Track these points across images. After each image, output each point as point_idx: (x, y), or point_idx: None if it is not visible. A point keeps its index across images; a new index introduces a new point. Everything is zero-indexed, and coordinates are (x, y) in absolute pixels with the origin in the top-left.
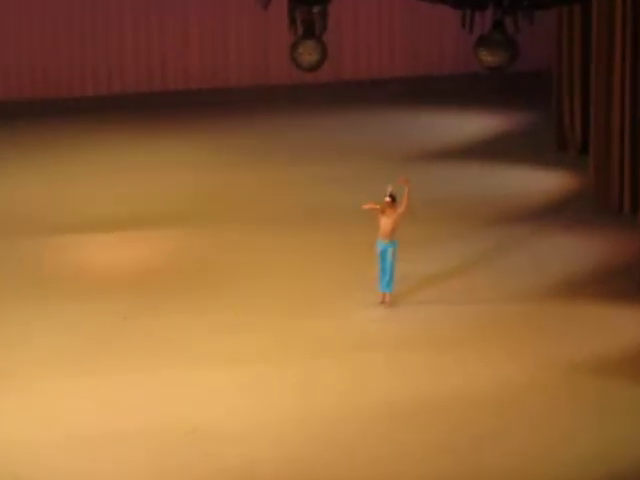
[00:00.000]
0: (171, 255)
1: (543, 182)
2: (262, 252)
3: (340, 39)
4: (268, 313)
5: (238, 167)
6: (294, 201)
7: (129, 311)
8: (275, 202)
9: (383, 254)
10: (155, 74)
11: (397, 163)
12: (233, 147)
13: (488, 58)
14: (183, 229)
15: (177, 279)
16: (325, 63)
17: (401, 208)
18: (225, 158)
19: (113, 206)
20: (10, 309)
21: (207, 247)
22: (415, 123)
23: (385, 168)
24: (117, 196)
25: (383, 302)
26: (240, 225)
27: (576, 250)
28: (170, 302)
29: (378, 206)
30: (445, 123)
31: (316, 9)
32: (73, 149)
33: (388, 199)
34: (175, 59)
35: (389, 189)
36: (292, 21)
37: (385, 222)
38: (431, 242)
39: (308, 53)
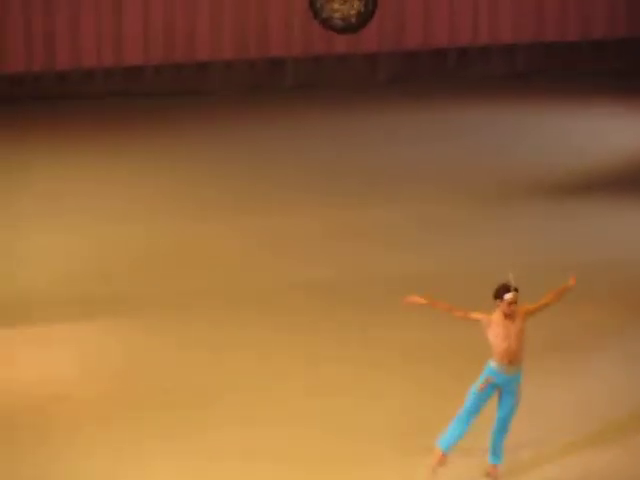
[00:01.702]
0: (99, 365)
1: None
2: (256, 362)
3: None
4: None
5: (216, 209)
6: (311, 271)
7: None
8: (279, 273)
9: (504, 393)
10: (63, 45)
11: (508, 203)
12: (208, 170)
13: None
14: (119, 319)
15: (115, 407)
16: (372, 18)
17: (533, 306)
18: (194, 191)
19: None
20: None
21: (163, 350)
22: (544, 128)
23: (484, 212)
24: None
25: (489, 476)
26: (220, 311)
27: None
28: (100, 452)
29: (486, 316)
30: (603, 129)
31: None
32: None
33: (511, 297)
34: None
35: (511, 279)
36: None
37: (504, 334)
38: (589, 355)
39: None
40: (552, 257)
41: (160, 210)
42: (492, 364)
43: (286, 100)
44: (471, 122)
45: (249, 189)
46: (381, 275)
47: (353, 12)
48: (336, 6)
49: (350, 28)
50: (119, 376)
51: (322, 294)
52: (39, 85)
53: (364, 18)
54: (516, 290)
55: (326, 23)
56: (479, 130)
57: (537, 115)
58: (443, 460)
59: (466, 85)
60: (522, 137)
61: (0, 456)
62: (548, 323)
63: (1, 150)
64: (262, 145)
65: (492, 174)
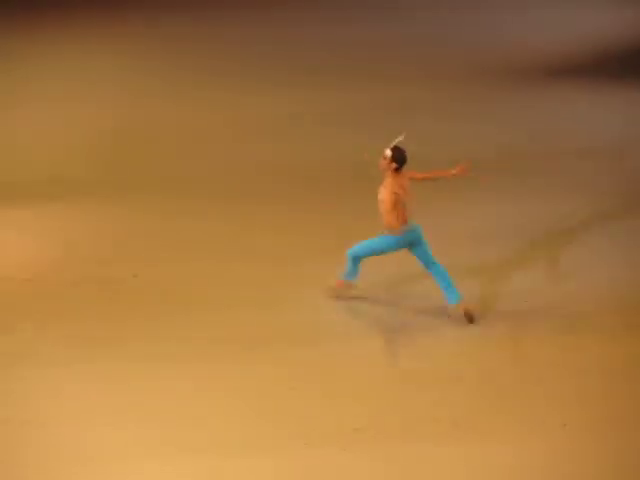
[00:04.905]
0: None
1: None
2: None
3: None
4: None
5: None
6: (278, 153)
7: None
8: (247, 153)
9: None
10: None
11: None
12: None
13: None
14: (85, 202)
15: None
16: None
17: (418, 175)
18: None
19: None
20: None
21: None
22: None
23: (459, 95)
24: None
25: (465, 314)
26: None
27: None
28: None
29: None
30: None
31: None
32: None
33: (387, 156)
34: None
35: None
36: None
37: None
38: None
39: None
40: (525, 143)
41: (132, 90)
42: (401, 230)
43: None
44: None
45: (211, 66)
46: (350, 160)
47: None
48: None
49: None
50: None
51: (289, 177)
52: None
53: None
54: (395, 148)
55: None
56: (455, 8)
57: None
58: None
59: None
60: (499, 22)
61: None
62: None
63: None
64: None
65: (467, 56)
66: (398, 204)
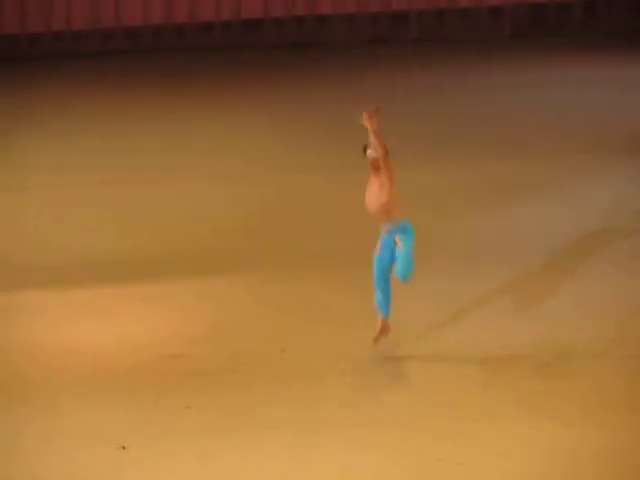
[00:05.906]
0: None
1: None
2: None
3: None
4: None
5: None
6: (445, 225)
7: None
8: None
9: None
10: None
11: None
12: (329, 124)
13: None
14: (232, 277)
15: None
16: None
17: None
18: (315, 146)
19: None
20: None
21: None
22: None
23: None
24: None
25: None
26: (334, 271)
27: None
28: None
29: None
30: None
31: None
32: None
33: (378, 154)
34: None
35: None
36: None
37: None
38: None
39: None
40: None
41: (278, 167)
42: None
43: (407, 54)
44: (596, 76)
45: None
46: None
47: None
48: None
49: None
50: (225, 334)
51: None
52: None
53: None
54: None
55: None
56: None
57: None
58: (386, 328)
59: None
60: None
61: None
62: None
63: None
64: (385, 98)
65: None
66: None
